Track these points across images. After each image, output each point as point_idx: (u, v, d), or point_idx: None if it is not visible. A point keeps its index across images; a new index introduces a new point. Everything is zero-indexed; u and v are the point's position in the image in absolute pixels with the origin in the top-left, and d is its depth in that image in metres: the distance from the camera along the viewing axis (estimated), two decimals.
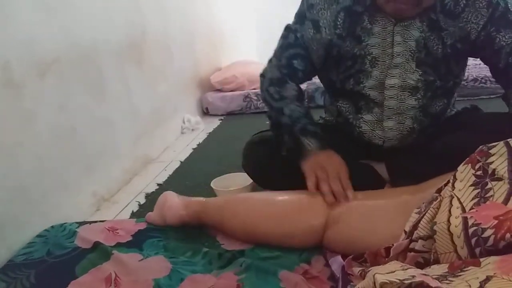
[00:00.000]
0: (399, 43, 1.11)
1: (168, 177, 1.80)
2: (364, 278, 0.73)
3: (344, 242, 0.97)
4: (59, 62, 1.39)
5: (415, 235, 0.80)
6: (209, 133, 2.51)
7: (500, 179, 0.75)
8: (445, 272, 0.64)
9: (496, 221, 0.67)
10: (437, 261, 0.74)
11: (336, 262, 0.92)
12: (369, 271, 0.74)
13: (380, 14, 1.10)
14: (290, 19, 1.23)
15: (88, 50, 1.58)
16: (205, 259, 1.06)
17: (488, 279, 0.57)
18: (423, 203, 0.86)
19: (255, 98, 2.88)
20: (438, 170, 0.98)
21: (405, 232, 0.83)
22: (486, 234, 0.66)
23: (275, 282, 0.92)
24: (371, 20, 1.11)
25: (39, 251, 1.16)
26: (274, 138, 1.22)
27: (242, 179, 1.39)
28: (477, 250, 0.67)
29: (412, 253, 0.79)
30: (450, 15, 1.08)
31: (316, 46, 1.18)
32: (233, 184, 1.44)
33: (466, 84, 2.60)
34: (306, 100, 2.75)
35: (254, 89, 2.92)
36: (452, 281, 0.60)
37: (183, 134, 2.51)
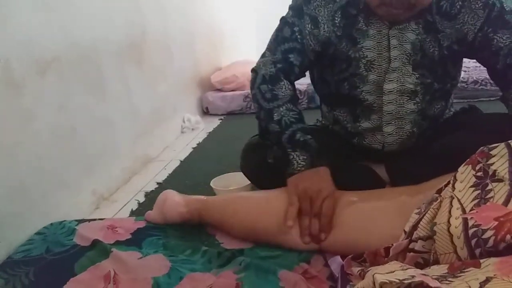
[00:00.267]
0: (395, 47, 1.09)
1: (167, 176, 1.81)
2: (363, 278, 0.73)
3: (343, 244, 0.97)
4: (59, 61, 1.39)
5: (414, 236, 0.80)
6: (209, 132, 2.51)
7: (500, 180, 0.75)
8: (445, 273, 0.64)
9: (496, 223, 0.67)
10: (436, 262, 0.74)
11: (336, 262, 0.92)
12: (368, 271, 0.74)
13: (375, 16, 1.08)
14: None
15: (88, 50, 1.58)
16: (204, 257, 1.06)
17: (488, 280, 0.57)
18: (423, 203, 0.86)
19: None
20: (438, 171, 0.98)
21: (405, 232, 0.83)
22: (486, 235, 0.66)
23: (275, 281, 0.92)
24: (366, 22, 1.09)
25: (38, 248, 1.16)
26: (263, 141, 1.17)
27: (242, 178, 1.39)
28: (477, 251, 0.67)
29: (412, 254, 0.79)
30: (446, 17, 1.07)
31: (313, 42, 1.13)
32: (232, 183, 1.45)
33: (466, 86, 2.59)
34: (306, 101, 2.75)
35: None
36: (452, 281, 0.60)
37: (183, 134, 2.51)
